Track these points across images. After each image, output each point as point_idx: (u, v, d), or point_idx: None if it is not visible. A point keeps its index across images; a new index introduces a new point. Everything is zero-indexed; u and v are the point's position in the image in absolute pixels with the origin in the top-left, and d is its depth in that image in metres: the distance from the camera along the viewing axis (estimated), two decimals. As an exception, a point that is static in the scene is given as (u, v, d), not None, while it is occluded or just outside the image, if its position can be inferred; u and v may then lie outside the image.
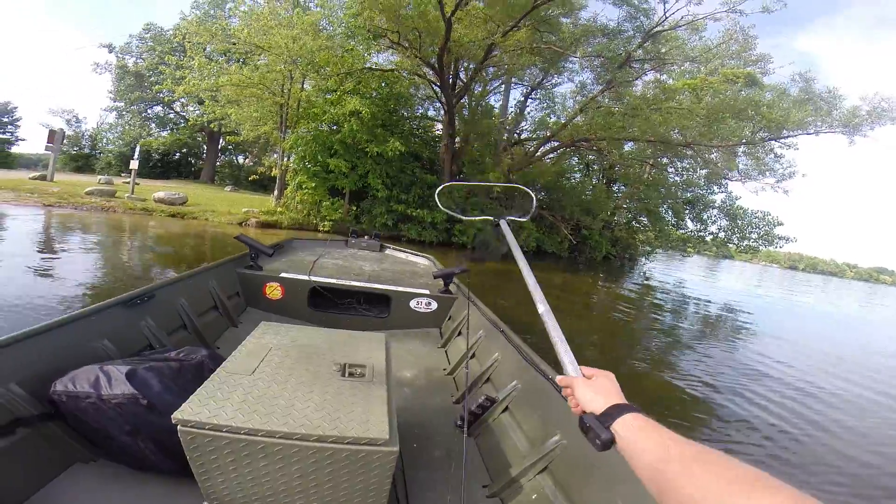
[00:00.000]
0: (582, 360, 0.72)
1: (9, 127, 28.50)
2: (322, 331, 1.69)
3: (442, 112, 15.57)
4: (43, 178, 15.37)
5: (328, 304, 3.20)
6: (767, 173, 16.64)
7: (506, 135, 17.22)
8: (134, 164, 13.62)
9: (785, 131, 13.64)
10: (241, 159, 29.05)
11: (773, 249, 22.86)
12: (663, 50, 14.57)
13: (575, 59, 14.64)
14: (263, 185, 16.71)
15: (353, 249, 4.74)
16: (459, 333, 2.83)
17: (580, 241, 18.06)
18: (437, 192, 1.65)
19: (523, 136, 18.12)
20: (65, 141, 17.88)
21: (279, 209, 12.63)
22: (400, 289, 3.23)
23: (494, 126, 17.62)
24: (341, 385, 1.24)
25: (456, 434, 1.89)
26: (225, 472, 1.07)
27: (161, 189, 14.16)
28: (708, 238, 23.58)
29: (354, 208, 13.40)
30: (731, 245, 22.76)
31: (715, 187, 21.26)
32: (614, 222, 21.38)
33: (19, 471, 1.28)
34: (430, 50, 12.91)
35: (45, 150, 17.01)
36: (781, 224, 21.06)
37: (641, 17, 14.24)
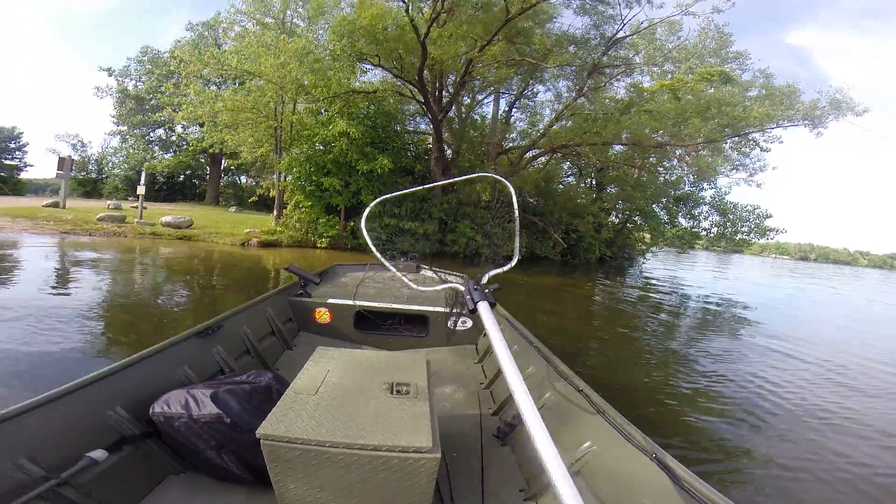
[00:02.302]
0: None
1: (17, 153, 29.97)
2: (370, 353, 1.98)
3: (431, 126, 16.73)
4: (56, 204, 16.69)
5: (372, 326, 3.47)
6: (740, 168, 17.94)
7: (491, 145, 18.27)
8: (141, 190, 14.95)
9: (749, 127, 14.75)
10: (243, 180, 30.33)
11: (766, 241, 23.87)
12: (634, 55, 15.75)
13: (553, 68, 15.77)
14: (266, 204, 17.95)
15: (391, 272, 5.39)
16: (494, 349, 3.45)
17: (573, 244, 19.04)
18: (364, 214, 1.75)
19: (508, 146, 19.18)
20: (72, 167, 19.25)
21: (279, 228, 13.88)
22: (437, 309, 3.47)
23: (480, 136, 18.79)
24: (390, 402, 1.48)
25: (494, 443, 2.08)
26: (297, 480, 1.28)
27: (168, 213, 15.46)
28: (702, 233, 24.59)
29: (350, 224, 14.51)
30: (724, 240, 23.73)
31: (704, 184, 22.29)
32: (608, 223, 22.35)
33: (126, 483, 1.53)
34: (412, 69, 14.04)
35: (57, 176, 18.38)
36: (770, 216, 22.13)
37: (605, 25, 15.43)
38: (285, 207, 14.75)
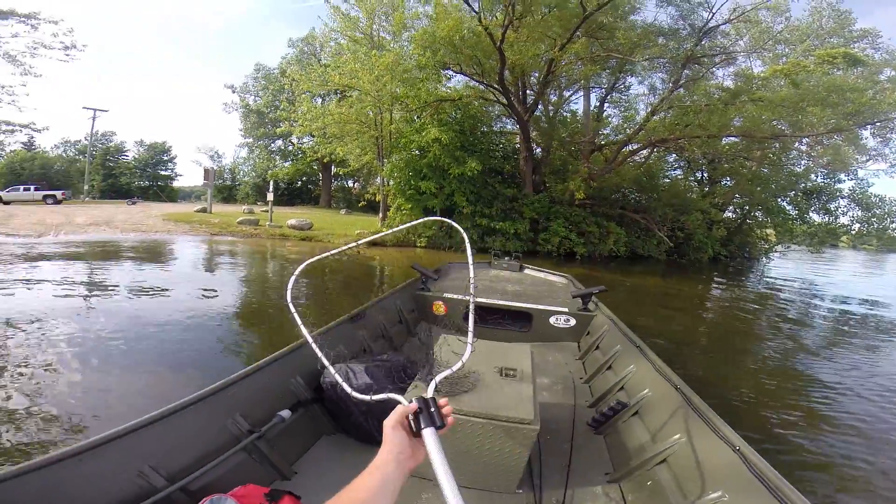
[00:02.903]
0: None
1: (169, 165, 37.02)
2: (485, 342, 2.28)
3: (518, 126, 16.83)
4: (204, 210, 20.38)
5: (480, 319, 3.76)
6: (878, 158, 14.97)
7: (583, 142, 17.70)
8: (270, 197, 17.60)
9: (880, 114, 12.31)
10: (351, 184, 33.68)
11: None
12: (735, 41, 14.20)
13: (642, 61, 14.89)
14: (372, 206, 19.85)
15: (496, 270, 5.44)
16: (597, 347, 3.21)
17: (680, 243, 17.62)
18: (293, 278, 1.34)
19: (602, 142, 18.41)
20: (214, 178, 23.34)
21: (384, 230, 15.26)
22: (540, 307, 3.73)
23: (571, 133, 18.29)
24: (501, 382, 1.81)
25: (588, 432, 2.28)
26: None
27: (291, 216, 18.00)
28: (840, 230, 20.88)
29: (445, 226, 15.34)
30: (871, 237, 19.82)
31: (842, 175, 18.85)
32: (722, 220, 20.17)
33: (297, 438, 1.92)
34: (492, 73, 14.35)
35: (203, 185, 22.44)
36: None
37: (694, 15, 14.40)
38: (389, 209, 16.14)
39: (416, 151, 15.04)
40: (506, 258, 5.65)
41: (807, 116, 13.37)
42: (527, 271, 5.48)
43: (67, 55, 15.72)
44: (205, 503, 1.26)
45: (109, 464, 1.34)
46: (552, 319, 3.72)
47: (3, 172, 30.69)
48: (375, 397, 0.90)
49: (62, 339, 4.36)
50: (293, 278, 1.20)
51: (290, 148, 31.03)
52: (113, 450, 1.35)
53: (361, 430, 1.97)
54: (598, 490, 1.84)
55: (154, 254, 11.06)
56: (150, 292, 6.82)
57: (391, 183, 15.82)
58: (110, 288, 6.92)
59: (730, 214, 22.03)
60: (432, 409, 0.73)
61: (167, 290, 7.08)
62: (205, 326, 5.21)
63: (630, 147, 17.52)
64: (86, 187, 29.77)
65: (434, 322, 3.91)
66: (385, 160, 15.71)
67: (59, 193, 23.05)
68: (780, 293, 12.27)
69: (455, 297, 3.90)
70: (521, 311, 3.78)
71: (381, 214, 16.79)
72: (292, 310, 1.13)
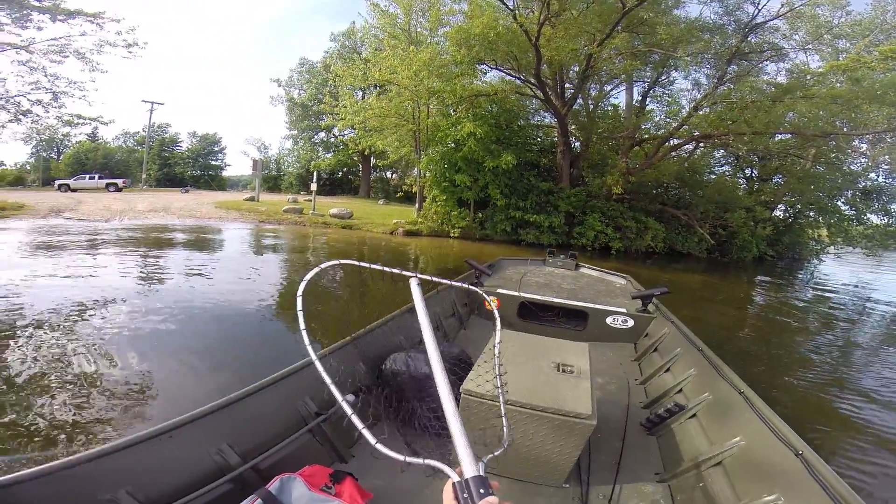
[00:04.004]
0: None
1: (219, 154, 39.71)
2: (540, 338, 2.34)
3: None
4: (252, 199, 21.94)
5: (533, 316, 3.83)
6: None
7: (623, 136, 17.60)
8: (313, 187, 18.83)
9: None
10: (389, 175, 35.00)
11: None
12: (790, 34, 13.81)
13: (685, 57, 14.71)
14: (409, 197, 20.76)
15: (550, 268, 5.42)
16: (655, 350, 3.22)
17: (724, 241, 17.27)
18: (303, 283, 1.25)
19: (644, 137, 18.32)
20: (261, 168, 24.91)
21: (419, 220, 16.26)
22: (597, 306, 3.72)
23: (612, 127, 18.19)
24: (558, 377, 1.87)
25: (640, 432, 2.32)
26: (482, 426, 1.66)
27: (333, 206, 19.25)
28: None
29: (479, 216, 16.09)
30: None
31: None
32: (770, 218, 19.45)
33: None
34: (529, 68, 14.59)
35: (251, 175, 24.02)
36: None
37: (740, 11, 14.35)
38: (424, 200, 17.00)
39: (452, 144, 15.69)
40: (561, 256, 5.63)
41: (863, 114, 12.98)
42: (583, 270, 5.46)
43: (130, 52, 17.26)
44: (275, 482, 1.31)
45: (189, 442, 1.45)
46: (609, 320, 3.70)
47: (70, 162, 33.98)
48: (427, 461, 0.79)
49: (140, 312, 5.06)
50: (304, 283, 1.12)
51: (333, 140, 32.43)
52: (194, 429, 1.46)
53: (415, 415, 2.01)
54: (647, 489, 1.88)
55: (209, 238, 12.39)
56: (208, 273, 7.77)
57: (427, 175, 16.60)
58: (173, 268, 7.92)
59: (779, 213, 21.22)
60: (482, 491, 0.68)
61: (222, 271, 8.02)
62: (255, 311, 5.70)
63: (672, 142, 17.40)
64: (143, 176, 32.20)
65: (486, 317, 4.02)
66: (422, 153, 16.52)
67: (120, 182, 25.27)
68: (832, 296, 11.83)
69: (508, 292, 3.92)
70: (576, 309, 3.78)
71: (417, 205, 17.73)
72: (300, 318, 1.08)
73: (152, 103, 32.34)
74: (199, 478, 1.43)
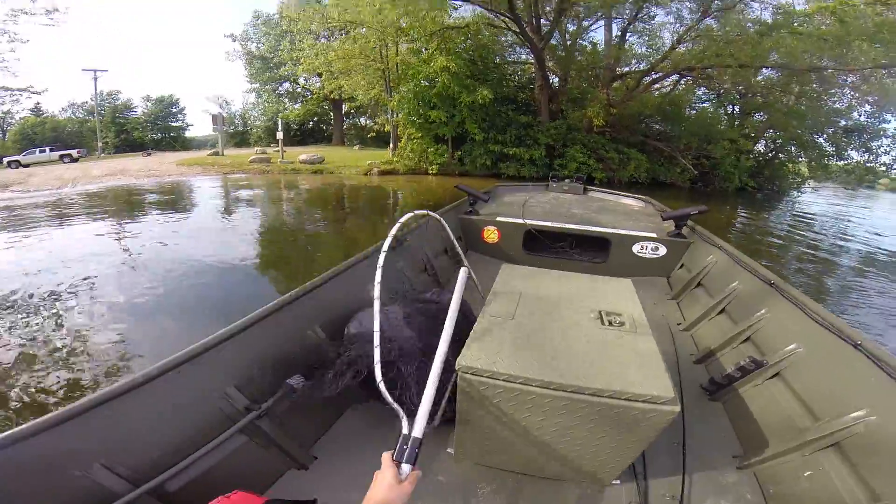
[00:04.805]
0: None
1: (178, 116, 38.17)
2: (564, 275, 1.78)
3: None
4: (216, 153, 21.08)
5: (541, 248, 3.32)
6: None
7: (604, 71, 17.23)
8: (279, 135, 18.08)
9: None
10: (363, 121, 34.11)
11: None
12: None
13: None
14: (385, 140, 20.26)
15: (555, 193, 4.78)
16: (699, 284, 2.66)
17: (706, 171, 17.44)
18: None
19: (624, 70, 18.06)
20: (224, 123, 23.71)
21: (395, 159, 15.84)
22: (621, 231, 3.12)
23: (591, 63, 17.68)
24: (604, 334, 1.30)
25: (700, 397, 1.84)
26: (489, 420, 1.20)
27: (303, 153, 18.38)
28: (880, 169, 20.25)
29: (458, 153, 15.85)
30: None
31: (888, 115, 18.02)
32: (754, 152, 19.67)
33: (316, 411, 1.55)
34: (502, 1, 13.86)
35: (213, 131, 22.93)
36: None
37: None
38: (400, 140, 16.52)
39: (425, 82, 15.18)
40: (566, 180, 4.95)
41: (852, 52, 12.72)
42: (592, 194, 4.77)
43: (51, 19, 15.78)
44: None
45: (54, 456, 1.01)
46: (636, 248, 3.08)
47: (17, 139, 32.34)
48: (394, 405, 0.99)
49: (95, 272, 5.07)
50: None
51: (299, 90, 31.58)
52: (40, 448, 0.99)
53: (397, 397, 1.46)
54: (726, 478, 1.42)
55: (167, 193, 11.99)
56: (164, 223, 7.79)
57: (400, 115, 16.08)
58: (126, 225, 7.79)
59: (760, 148, 21.38)
60: (416, 450, 0.82)
61: (182, 219, 8.06)
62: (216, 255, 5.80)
63: (653, 76, 17.10)
64: (99, 144, 30.69)
65: (484, 252, 3.47)
66: (393, 92, 15.87)
67: (74, 152, 24.14)
68: (809, 225, 12.01)
69: (511, 220, 3.36)
70: (594, 236, 3.17)
71: (391, 145, 17.30)
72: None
73: (94, 71, 30.56)
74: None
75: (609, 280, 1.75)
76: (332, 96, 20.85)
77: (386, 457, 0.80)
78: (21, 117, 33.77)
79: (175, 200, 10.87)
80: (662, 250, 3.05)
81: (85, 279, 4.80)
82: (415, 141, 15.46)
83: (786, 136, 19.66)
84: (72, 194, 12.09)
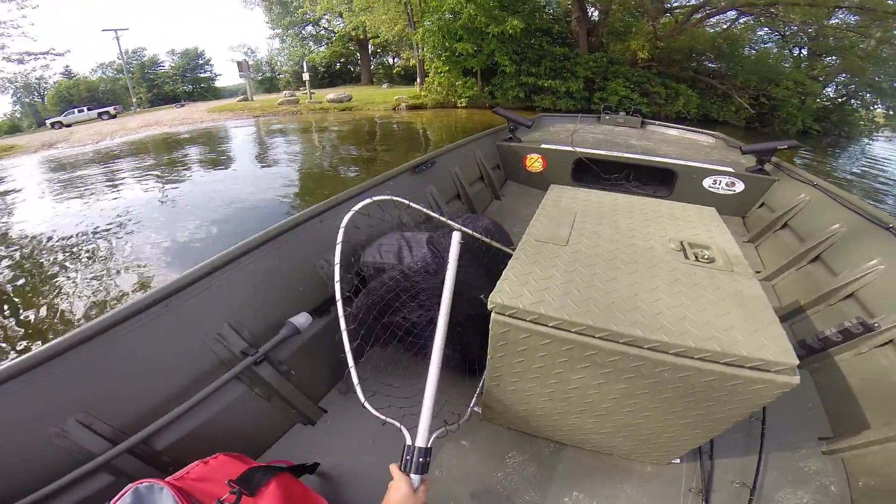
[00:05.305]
0: None
1: (205, 67, 38.99)
2: (630, 197, 1.47)
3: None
4: (245, 99, 21.20)
5: (593, 179, 3.00)
6: None
7: (651, 3, 15.86)
8: (306, 76, 17.96)
9: None
10: (390, 60, 33.97)
11: None
12: None
13: None
14: (413, 78, 19.99)
15: (608, 126, 4.30)
16: (784, 225, 2.31)
17: (765, 112, 16.21)
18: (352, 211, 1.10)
19: (674, 5, 16.69)
20: (249, 69, 23.80)
21: (423, 93, 15.52)
22: (691, 163, 2.77)
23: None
24: (692, 272, 1.00)
25: None
26: (523, 373, 0.96)
27: (331, 92, 18.21)
28: None
29: (488, 86, 15.23)
30: None
31: None
32: (821, 94, 17.89)
33: (325, 355, 1.32)
34: None
35: (240, 78, 22.94)
36: None
37: None
38: (427, 76, 16.09)
39: (449, 15, 14.45)
40: (621, 112, 4.47)
41: None
42: (652, 127, 4.27)
43: None
44: (126, 493, 0.74)
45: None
46: (707, 182, 2.71)
47: (55, 102, 33.94)
48: (394, 422, 0.87)
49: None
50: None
51: (322, 32, 31.37)
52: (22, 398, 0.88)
53: (418, 340, 1.26)
54: (809, 465, 1.18)
55: (202, 137, 12.77)
56: (200, 163, 8.59)
57: (424, 49, 15.50)
58: (166, 166, 8.59)
59: (829, 92, 19.39)
60: (421, 460, 0.80)
61: (217, 158, 8.80)
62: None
63: (707, 10, 15.63)
64: (133, 100, 31.77)
65: (526, 181, 3.17)
66: (416, 26, 15.32)
67: (111, 109, 25.08)
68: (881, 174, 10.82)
69: (558, 147, 3.01)
70: (656, 167, 2.82)
71: (418, 80, 16.93)
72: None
73: (115, 31, 31.29)
74: (34, 476, 0.86)
75: (688, 206, 1.40)
76: (356, 35, 20.37)
77: (394, 468, 0.80)
78: (54, 81, 35.38)
79: (210, 143, 11.44)
80: (739, 186, 2.67)
81: (129, 219, 5.38)
82: (442, 75, 14.97)
83: (861, 82, 17.72)
84: (111, 146, 13.05)
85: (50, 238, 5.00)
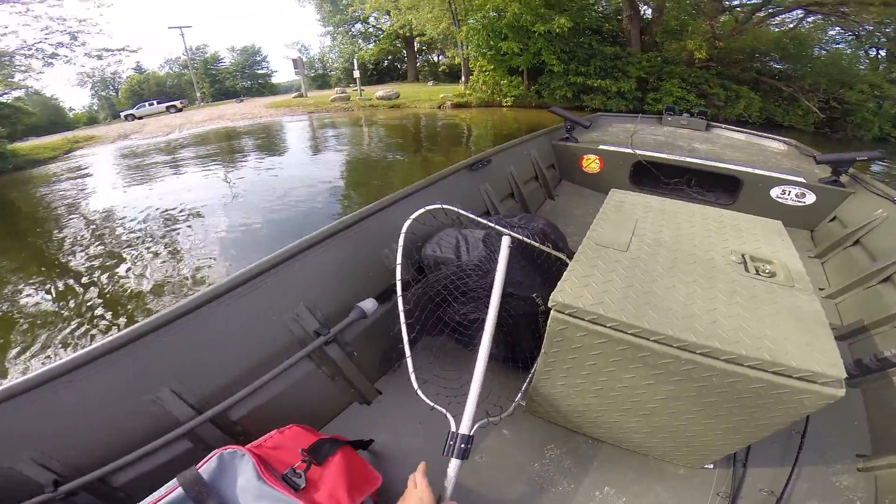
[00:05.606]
0: None
1: (262, 63, 41.28)
2: (693, 206, 1.47)
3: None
4: (300, 95, 22.38)
5: (653, 183, 2.95)
6: None
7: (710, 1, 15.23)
8: (356, 74, 18.76)
9: None
10: (436, 57, 34.83)
11: None
12: None
13: None
14: (458, 76, 20.71)
15: (670, 127, 4.17)
16: (856, 243, 2.23)
17: (836, 117, 15.09)
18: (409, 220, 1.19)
19: (734, 3, 15.90)
20: (304, 67, 24.96)
21: (467, 92, 15.77)
22: (759, 171, 2.68)
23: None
24: (751, 285, 1.02)
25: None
26: (574, 370, 1.01)
27: (379, 90, 19.18)
28: None
29: (535, 85, 15.23)
30: None
31: None
32: None
33: (384, 339, 1.41)
34: None
35: (295, 74, 24.17)
36: None
37: None
38: (472, 74, 16.37)
39: (494, 13, 14.55)
40: (685, 114, 4.33)
41: None
42: (718, 131, 4.14)
43: None
44: (211, 459, 0.80)
45: (102, 386, 0.98)
46: (775, 191, 2.61)
47: (128, 96, 36.94)
48: (440, 408, 0.97)
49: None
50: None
51: (370, 30, 32.53)
52: (113, 367, 0.99)
53: (469, 332, 1.31)
54: (842, 480, 1.19)
55: (261, 131, 13.91)
56: (261, 156, 9.64)
57: (469, 47, 15.74)
58: (230, 157, 9.88)
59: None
60: (462, 446, 0.89)
61: (277, 152, 9.95)
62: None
63: (770, 9, 14.82)
64: (198, 94, 33.97)
65: (582, 182, 3.13)
66: (461, 24, 15.54)
67: (178, 103, 26.94)
68: None
69: (616, 149, 2.96)
70: (721, 174, 2.71)
71: (463, 78, 17.26)
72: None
73: (180, 28, 33.34)
74: (128, 440, 0.97)
75: (753, 219, 1.39)
76: (402, 33, 21.05)
77: (419, 478, 0.85)
78: (127, 76, 38.26)
79: (268, 136, 12.58)
80: (811, 198, 2.55)
81: (202, 205, 6.44)
82: (486, 73, 15.12)
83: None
84: (180, 137, 14.26)
85: (177, 208, 6.50)
